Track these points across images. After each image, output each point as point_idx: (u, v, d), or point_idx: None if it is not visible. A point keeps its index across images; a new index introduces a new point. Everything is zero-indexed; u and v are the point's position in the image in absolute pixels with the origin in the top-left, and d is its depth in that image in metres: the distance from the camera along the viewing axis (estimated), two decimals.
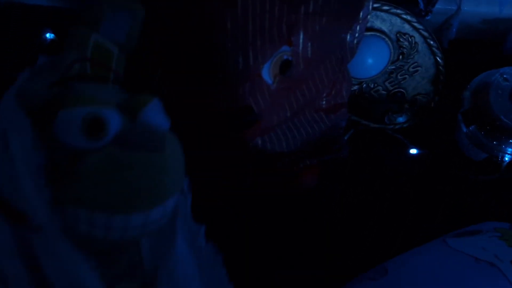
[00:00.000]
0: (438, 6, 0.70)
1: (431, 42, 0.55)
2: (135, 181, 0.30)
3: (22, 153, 0.29)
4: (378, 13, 0.53)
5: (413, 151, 0.64)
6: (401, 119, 0.64)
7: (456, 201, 0.60)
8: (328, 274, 0.51)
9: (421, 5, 0.59)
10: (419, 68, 0.58)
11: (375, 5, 0.52)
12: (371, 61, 0.56)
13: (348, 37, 0.51)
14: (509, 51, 0.67)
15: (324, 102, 0.53)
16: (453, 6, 0.70)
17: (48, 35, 0.61)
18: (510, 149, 0.56)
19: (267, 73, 0.44)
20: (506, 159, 0.58)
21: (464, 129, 0.57)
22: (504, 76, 0.55)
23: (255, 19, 0.40)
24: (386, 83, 0.60)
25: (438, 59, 0.57)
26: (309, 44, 0.45)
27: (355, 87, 0.60)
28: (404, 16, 0.53)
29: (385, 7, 0.52)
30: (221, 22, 0.39)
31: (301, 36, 0.44)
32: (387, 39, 0.54)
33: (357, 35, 0.51)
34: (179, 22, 0.41)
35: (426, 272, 0.39)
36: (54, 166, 0.29)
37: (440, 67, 0.57)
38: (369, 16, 0.52)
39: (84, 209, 0.29)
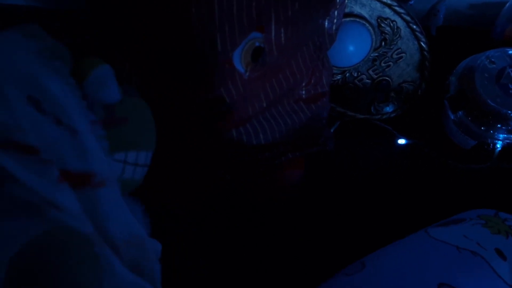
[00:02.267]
0: None
1: (414, 27, 0.53)
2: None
3: (80, 116, 0.32)
4: None
5: (402, 141, 0.62)
6: (388, 109, 0.62)
7: (446, 191, 0.59)
8: (311, 269, 0.49)
9: None
10: (403, 54, 0.56)
11: None
12: (352, 48, 0.54)
13: (326, 23, 0.49)
14: (497, 36, 0.65)
15: (303, 92, 0.51)
16: None
17: None
18: (500, 135, 0.53)
19: (239, 61, 0.42)
20: (498, 146, 0.56)
21: (452, 116, 0.55)
22: (491, 59, 0.53)
23: (222, 3, 0.38)
24: (370, 71, 0.58)
25: (423, 44, 0.55)
26: (282, 30, 0.43)
27: (338, 77, 0.59)
28: (384, 0, 0.50)
29: None
30: (185, 7, 0.37)
31: (273, 22, 0.42)
32: (367, 24, 0.53)
33: (335, 21, 0.49)
34: (143, 11, 0.40)
35: (405, 264, 0.37)
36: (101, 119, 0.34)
37: (425, 53, 0.55)
38: (346, 1, 0.50)
39: (134, 151, 0.35)
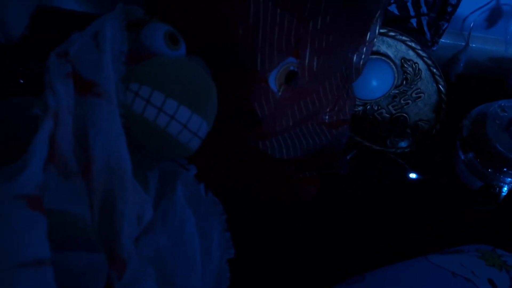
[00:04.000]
0: (446, 40, 0.74)
1: (434, 70, 0.57)
2: (198, 86, 0.37)
3: (111, 42, 0.35)
4: (385, 38, 0.56)
5: (413, 175, 0.65)
6: (403, 144, 0.66)
7: (449, 226, 0.61)
8: (312, 282, 0.52)
9: (428, 36, 0.62)
10: (422, 94, 0.61)
11: (382, 30, 0.55)
12: (375, 83, 0.59)
13: (355, 57, 0.54)
14: None
15: (327, 117, 0.56)
16: (462, 42, 0.74)
17: None
18: (506, 178, 0.57)
19: (274, 81, 0.47)
20: (504, 189, 0.59)
21: (462, 156, 0.59)
22: (503, 107, 0.57)
23: (265, 28, 0.43)
24: (390, 107, 0.63)
25: (441, 87, 0.59)
26: (315, 58, 0.48)
27: (359, 108, 0.63)
28: (409, 43, 0.56)
29: (392, 33, 0.55)
30: (233, 25, 0.43)
31: (308, 50, 0.47)
32: (392, 63, 0.57)
33: (363, 56, 0.54)
34: (195, 22, 0.45)
35: (402, 282, 0.40)
36: (134, 54, 0.36)
37: (442, 95, 0.60)
38: (375, 40, 0.55)
39: (159, 92, 0.35)
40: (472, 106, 0.66)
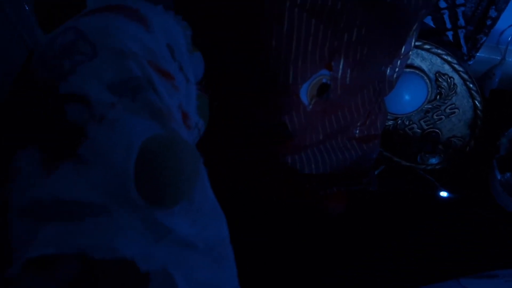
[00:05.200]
0: (482, 54, 0.71)
1: (471, 85, 0.55)
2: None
3: (189, 70, 0.39)
4: (419, 51, 0.54)
5: (444, 194, 0.63)
6: (433, 160, 0.64)
7: (483, 249, 0.58)
8: None
9: (464, 49, 0.60)
10: (456, 110, 0.58)
11: (417, 43, 0.53)
12: (408, 98, 0.56)
13: (388, 70, 0.52)
14: None
15: (357, 131, 0.54)
16: (497, 56, 0.71)
17: None
18: None
19: (305, 93, 0.46)
20: None
21: (499, 176, 0.56)
22: None
23: (299, 40, 0.42)
24: (422, 122, 0.60)
25: (477, 103, 0.57)
26: (349, 71, 0.46)
27: (390, 122, 0.61)
28: (445, 57, 0.54)
29: (427, 46, 0.53)
30: (267, 38, 0.41)
31: (342, 63, 0.46)
32: (426, 77, 0.55)
33: (397, 69, 0.52)
34: (227, 32, 0.44)
35: None
36: None
37: (478, 111, 0.57)
38: (410, 53, 0.53)
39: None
40: (508, 123, 0.63)
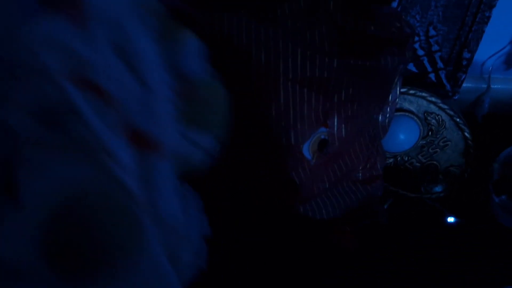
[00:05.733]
0: (468, 84, 0.77)
1: (457, 120, 0.61)
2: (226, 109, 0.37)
3: (151, 68, 0.31)
4: (406, 96, 0.61)
5: (451, 219, 0.67)
6: (437, 189, 0.69)
7: (493, 269, 0.62)
8: None
9: (448, 87, 0.66)
10: (448, 142, 0.64)
11: (403, 90, 0.60)
12: (403, 137, 0.62)
13: (380, 117, 0.58)
14: None
15: (360, 174, 0.60)
16: (483, 84, 0.77)
17: None
18: None
19: (307, 150, 0.52)
20: None
21: (496, 199, 0.60)
22: None
23: (295, 107, 0.49)
24: (419, 156, 0.66)
25: (466, 134, 0.62)
26: (343, 125, 0.53)
27: (391, 160, 0.67)
28: (429, 98, 0.60)
29: (411, 91, 0.60)
30: (267, 109, 0.48)
31: (336, 120, 0.52)
32: (415, 118, 0.61)
33: (387, 115, 0.58)
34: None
35: None
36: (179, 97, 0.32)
37: (469, 141, 0.63)
38: (397, 100, 0.59)
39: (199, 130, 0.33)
40: (502, 146, 0.68)
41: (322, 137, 0.53)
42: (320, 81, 0.49)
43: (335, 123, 0.53)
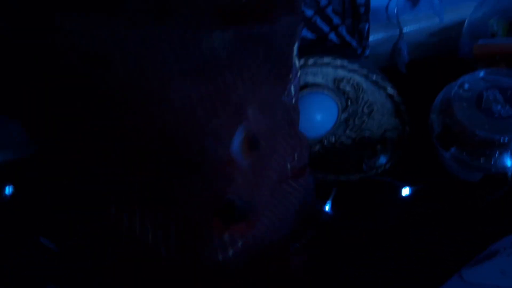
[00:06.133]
0: (380, 35, 0.68)
1: (374, 78, 0.52)
2: None
3: None
4: (306, 69, 0.51)
5: (406, 191, 0.57)
6: (380, 161, 0.58)
7: (468, 228, 0.53)
8: None
9: (354, 44, 0.56)
10: (373, 106, 0.55)
11: (300, 63, 0.48)
12: (320, 117, 0.53)
13: (287, 98, 0.47)
14: (466, 55, 0.63)
15: (289, 169, 0.48)
16: (395, 31, 0.67)
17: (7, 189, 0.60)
18: (505, 161, 0.48)
19: (238, 152, 0.40)
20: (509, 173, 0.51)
21: (446, 154, 0.50)
22: (464, 86, 0.50)
23: (207, 124, 0.37)
24: (347, 132, 0.56)
25: (390, 91, 0.53)
26: (260, 114, 0.42)
27: (317, 147, 0.56)
28: (334, 63, 0.50)
29: (310, 61, 0.50)
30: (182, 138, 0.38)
31: (251, 108, 0.40)
32: (326, 90, 0.51)
33: (293, 94, 0.48)
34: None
35: None
36: None
37: (395, 98, 0.54)
38: (298, 74, 0.49)
39: None
40: (434, 92, 0.59)
41: (246, 132, 0.41)
42: (214, 73, 0.38)
43: (252, 113, 0.41)
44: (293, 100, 0.51)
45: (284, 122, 0.51)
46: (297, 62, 0.50)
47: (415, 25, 0.70)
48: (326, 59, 0.50)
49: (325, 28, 0.56)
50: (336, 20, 0.55)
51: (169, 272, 0.44)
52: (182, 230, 0.44)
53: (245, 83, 0.43)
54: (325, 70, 0.51)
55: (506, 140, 0.46)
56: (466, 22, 0.67)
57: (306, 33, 0.56)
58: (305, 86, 0.52)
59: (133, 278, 0.45)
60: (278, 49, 0.46)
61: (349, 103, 0.54)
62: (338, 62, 0.50)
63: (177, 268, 0.44)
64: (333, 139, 0.57)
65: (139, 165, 0.42)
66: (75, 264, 0.45)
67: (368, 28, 0.57)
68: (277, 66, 0.48)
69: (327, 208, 0.58)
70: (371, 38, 0.63)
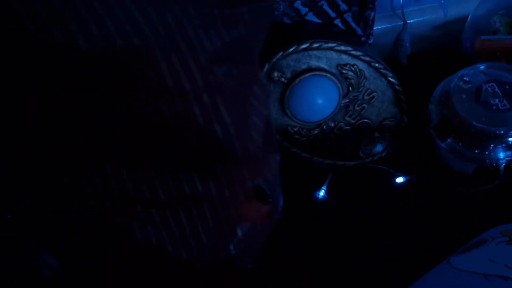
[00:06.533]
0: (383, 25, 0.68)
1: (377, 65, 0.52)
2: None
3: None
4: (310, 52, 0.51)
5: (400, 179, 0.58)
6: (377, 149, 0.59)
7: (460, 218, 0.54)
8: None
9: (359, 31, 0.57)
10: (374, 93, 0.55)
11: (304, 45, 0.50)
12: (321, 101, 0.53)
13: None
14: (467, 50, 0.64)
15: None
16: (399, 22, 0.68)
17: None
18: (498, 154, 0.49)
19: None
20: (501, 163, 0.52)
21: (442, 144, 0.51)
22: (464, 78, 0.51)
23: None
24: (347, 118, 0.56)
25: (391, 79, 0.53)
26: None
27: (316, 131, 0.57)
28: (338, 48, 0.51)
29: (315, 45, 0.50)
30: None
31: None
32: (329, 75, 0.52)
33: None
34: None
35: None
36: None
37: (396, 87, 0.54)
38: (303, 58, 0.48)
39: None
40: (434, 84, 0.60)
41: None
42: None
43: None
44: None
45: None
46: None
47: (419, 17, 0.70)
48: (331, 44, 0.50)
49: (332, 13, 0.56)
50: (343, 6, 0.55)
51: (171, 271, 0.43)
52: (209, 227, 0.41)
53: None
54: (329, 55, 0.52)
55: (501, 132, 0.47)
56: (469, 17, 0.67)
57: (312, 17, 0.56)
58: (309, 69, 0.52)
59: (133, 278, 0.44)
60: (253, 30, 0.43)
61: (350, 89, 0.55)
62: (343, 47, 0.51)
63: (181, 267, 0.42)
64: (332, 124, 0.58)
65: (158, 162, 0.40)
66: (75, 264, 0.44)
67: (374, 16, 0.57)
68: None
69: (323, 192, 0.59)
70: (375, 27, 0.63)
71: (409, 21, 0.70)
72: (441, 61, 0.69)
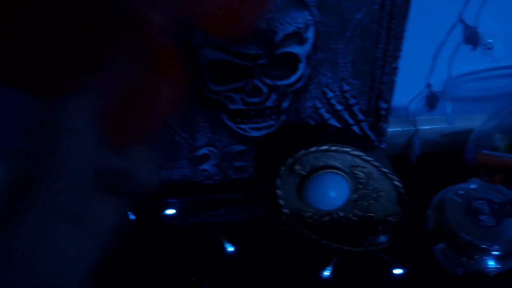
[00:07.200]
0: (397, 128, 0.77)
1: (384, 170, 0.60)
2: None
3: None
4: (328, 153, 0.59)
5: (398, 271, 0.64)
6: (380, 240, 0.66)
7: None
8: None
9: (372, 137, 0.65)
10: (381, 192, 0.63)
11: (324, 147, 0.59)
12: (333, 194, 0.61)
13: None
14: (470, 161, 0.71)
15: None
16: (411, 127, 0.76)
17: None
18: (487, 262, 0.55)
19: None
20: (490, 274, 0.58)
21: (435, 247, 0.58)
22: (458, 192, 0.58)
23: None
24: (355, 210, 0.64)
25: (396, 183, 0.61)
26: None
27: (326, 218, 0.64)
28: (352, 152, 0.59)
29: (333, 148, 0.59)
30: None
31: None
32: (342, 173, 0.60)
33: None
34: None
35: None
36: None
37: (400, 190, 0.62)
38: (322, 157, 0.57)
39: None
40: (437, 188, 0.67)
41: None
42: None
43: None
44: None
45: None
46: None
47: (429, 125, 0.79)
48: (347, 148, 0.59)
49: (351, 121, 0.66)
50: (360, 116, 0.65)
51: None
52: None
53: None
54: (344, 157, 0.61)
55: (485, 246, 0.53)
56: (474, 132, 0.76)
57: (335, 122, 0.66)
58: (325, 166, 0.61)
59: None
60: None
61: (360, 186, 0.63)
62: (356, 152, 0.60)
63: None
64: (342, 214, 0.65)
65: None
66: None
67: (386, 127, 0.66)
68: None
69: (328, 272, 0.66)
70: (389, 129, 0.72)
71: (420, 127, 0.79)
72: (447, 167, 0.77)
